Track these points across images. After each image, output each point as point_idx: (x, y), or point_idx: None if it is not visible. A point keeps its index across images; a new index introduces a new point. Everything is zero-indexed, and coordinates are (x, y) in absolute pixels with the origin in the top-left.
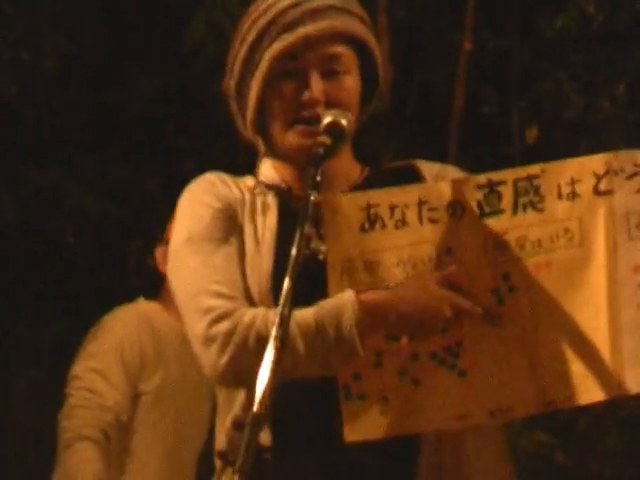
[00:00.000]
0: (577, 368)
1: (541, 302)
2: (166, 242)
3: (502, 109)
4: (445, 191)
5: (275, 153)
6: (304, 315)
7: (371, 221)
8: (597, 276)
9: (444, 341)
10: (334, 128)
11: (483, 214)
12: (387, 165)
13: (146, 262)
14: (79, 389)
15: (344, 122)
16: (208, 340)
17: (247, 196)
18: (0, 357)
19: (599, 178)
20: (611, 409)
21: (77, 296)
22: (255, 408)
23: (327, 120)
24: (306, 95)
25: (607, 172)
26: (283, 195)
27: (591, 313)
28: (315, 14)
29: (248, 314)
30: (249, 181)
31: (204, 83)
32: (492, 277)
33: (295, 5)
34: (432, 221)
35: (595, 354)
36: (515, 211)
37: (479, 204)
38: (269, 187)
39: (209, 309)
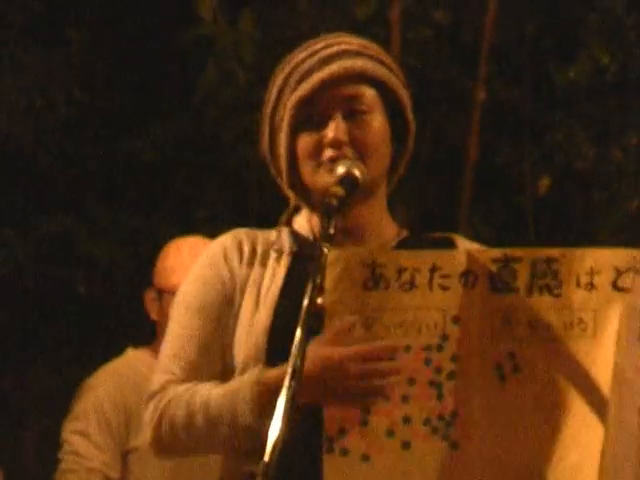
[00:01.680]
0: (568, 460)
1: (544, 388)
2: (154, 287)
3: (514, 159)
4: (460, 260)
5: (312, 204)
6: (209, 393)
7: (375, 280)
8: (604, 371)
9: (439, 409)
10: (347, 179)
11: (495, 289)
12: (426, 233)
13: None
14: (66, 453)
15: (357, 173)
16: (144, 414)
17: (259, 257)
18: (11, 405)
19: (619, 273)
20: None
21: (88, 344)
22: (266, 458)
23: (340, 171)
24: (329, 136)
25: (629, 269)
26: (305, 247)
27: (592, 407)
28: (329, 59)
29: (166, 397)
30: (272, 235)
31: (216, 131)
32: (497, 353)
33: (312, 54)
34: (443, 288)
35: (587, 449)
36: (530, 292)
37: (492, 278)
38: (297, 236)
39: (152, 383)
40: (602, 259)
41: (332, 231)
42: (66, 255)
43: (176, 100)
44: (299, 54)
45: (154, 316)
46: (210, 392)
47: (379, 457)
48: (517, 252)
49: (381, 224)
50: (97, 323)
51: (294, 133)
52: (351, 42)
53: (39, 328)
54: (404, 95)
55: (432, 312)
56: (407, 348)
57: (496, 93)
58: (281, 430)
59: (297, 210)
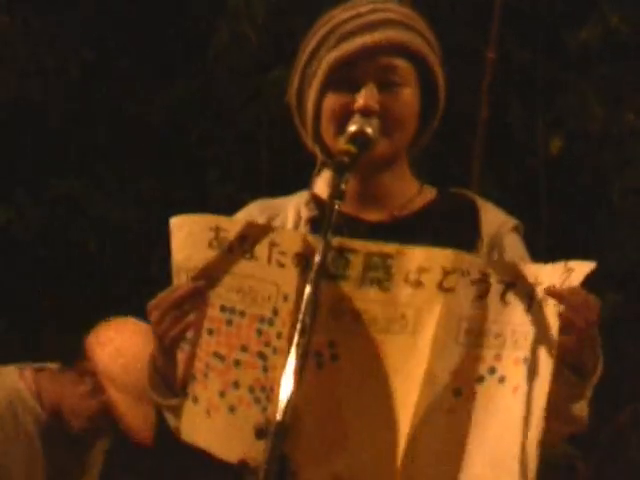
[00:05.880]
0: (370, 455)
1: (359, 379)
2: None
3: (526, 120)
4: (295, 240)
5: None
6: None
7: (219, 241)
8: (417, 370)
9: (263, 380)
10: (359, 136)
11: (328, 275)
12: (452, 190)
13: (168, 271)
14: None
15: (369, 130)
16: None
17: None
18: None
19: (446, 274)
20: (634, 420)
21: (99, 305)
22: (279, 416)
23: (352, 128)
24: (359, 102)
25: (454, 270)
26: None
27: (402, 404)
28: (374, 26)
29: None
30: (290, 202)
31: (228, 92)
32: (318, 340)
33: (356, 17)
34: (279, 264)
35: (391, 448)
36: (361, 283)
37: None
38: (318, 201)
39: None
40: (432, 258)
41: (344, 187)
42: (77, 217)
43: (187, 61)
44: (343, 13)
45: None
46: None
47: (215, 415)
48: (353, 244)
49: (405, 187)
50: (108, 284)
51: (324, 91)
52: (398, 11)
53: (50, 289)
54: (439, 73)
55: (268, 285)
56: (242, 314)
57: (508, 54)
58: (293, 389)
59: (320, 172)
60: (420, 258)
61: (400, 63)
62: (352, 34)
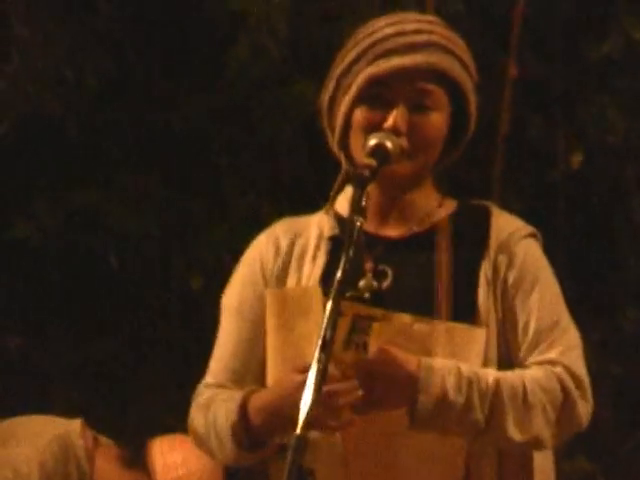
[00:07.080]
0: None
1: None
2: None
3: (547, 134)
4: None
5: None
6: (222, 407)
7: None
8: (400, 449)
9: None
10: (379, 150)
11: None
12: (471, 202)
13: (188, 282)
14: None
15: (389, 144)
16: None
17: (299, 246)
18: (39, 377)
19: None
20: None
21: (118, 315)
22: (298, 430)
23: (372, 142)
24: (389, 122)
25: None
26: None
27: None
28: (416, 47)
29: (195, 402)
30: (313, 221)
31: (248, 104)
32: None
33: (399, 35)
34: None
35: None
36: (346, 347)
37: None
38: (339, 219)
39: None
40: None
41: (364, 203)
42: (96, 226)
43: (207, 71)
44: (387, 28)
45: None
46: (224, 405)
47: None
48: (341, 306)
49: (426, 201)
50: (127, 295)
51: (356, 104)
52: (442, 34)
53: (69, 300)
54: (473, 100)
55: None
56: None
57: (528, 68)
58: (313, 403)
59: (341, 189)
60: (405, 326)
61: (435, 88)
62: (392, 52)
